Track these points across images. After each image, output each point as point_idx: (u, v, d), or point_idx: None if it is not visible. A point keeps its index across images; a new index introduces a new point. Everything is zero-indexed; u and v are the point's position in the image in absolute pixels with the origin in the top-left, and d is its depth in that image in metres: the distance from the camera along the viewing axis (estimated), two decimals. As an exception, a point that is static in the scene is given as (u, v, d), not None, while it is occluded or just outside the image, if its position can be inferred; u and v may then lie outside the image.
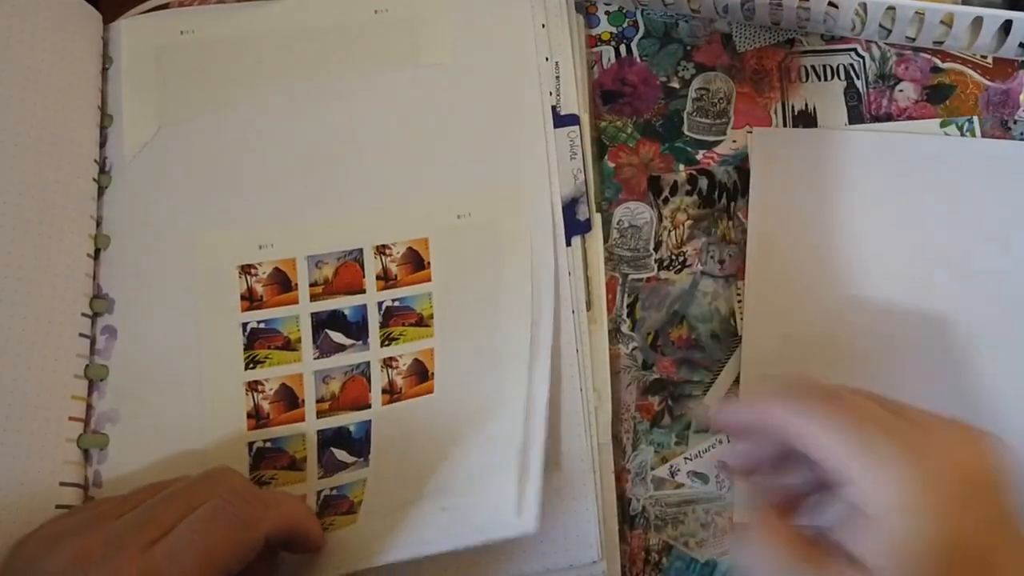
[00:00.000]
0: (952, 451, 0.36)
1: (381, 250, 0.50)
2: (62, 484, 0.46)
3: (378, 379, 0.48)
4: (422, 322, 0.49)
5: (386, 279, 0.49)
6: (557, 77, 0.52)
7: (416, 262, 0.49)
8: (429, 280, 0.49)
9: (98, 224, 0.51)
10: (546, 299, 0.48)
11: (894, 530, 0.34)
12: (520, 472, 0.43)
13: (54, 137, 0.50)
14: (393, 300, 0.49)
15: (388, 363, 0.48)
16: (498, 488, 0.43)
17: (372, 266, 0.50)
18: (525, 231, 0.49)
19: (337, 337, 0.49)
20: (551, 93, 0.51)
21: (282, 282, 0.50)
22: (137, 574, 0.36)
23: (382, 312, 0.49)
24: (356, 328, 0.49)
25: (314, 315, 0.49)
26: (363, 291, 0.49)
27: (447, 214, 0.50)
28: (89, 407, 0.48)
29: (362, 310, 0.49)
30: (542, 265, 0.49)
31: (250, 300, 0.49)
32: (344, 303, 0.49)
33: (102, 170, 0.52)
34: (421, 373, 0.48)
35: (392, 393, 0.48)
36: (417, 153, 0.51)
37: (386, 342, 0.48)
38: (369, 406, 0.48)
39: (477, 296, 0.48)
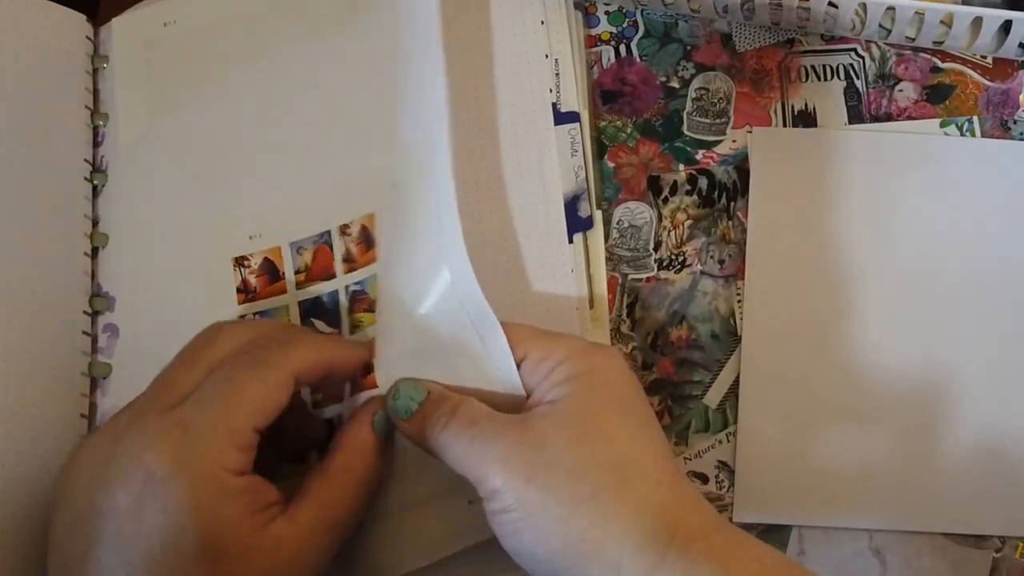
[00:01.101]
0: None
1: (343, 230, 0.48)
2: (57, 506, 0.46)
3: None
4: (371, 307, 0.46)
5: (350, 261, 0.48)
6: (557, 74, 0.52)
7: (368, 241, 0.47)
8: (375, 260, 0.47)
9: (96, 223, 0.51)
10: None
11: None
12: None
13: (39, 140, 0.50)
14: (355, 284, 0.47)
15: None
16: None
17: (339, 248, 0.48)
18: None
19: (320, 325, 0.47)
20: (551, 90, 0.51)
21: (271, 272, 0.49)
22: (167, 428, 0.36)
23: (349, 296, 0.47)
24: (333, 316, 0.47)
25: (301, 303, 0.48)
26: (334, 275, 0.48)
27: (384, 183, 0.47)
28: (92, 405, 0.48)
29: (335, 295, 0.48)
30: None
31: (245, 292, 0.49)
32: (322, 289, 0.48)
33: (99, 169, 0.52)
34: (367, 365, 0.44)
35: (353, 383, 0.45)
36: (364, 120, 0.49)
37: (353, 330, 0.47)
38: (343, 398, 0.45)
39: (404, 276, 0.44)
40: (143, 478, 0.36)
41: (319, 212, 0.49)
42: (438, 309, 0.42)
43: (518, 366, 0.40)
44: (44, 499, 0.44)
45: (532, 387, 0.40)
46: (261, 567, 0.36)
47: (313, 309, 0.48)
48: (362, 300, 0.47)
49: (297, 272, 0.49)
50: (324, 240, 0.48)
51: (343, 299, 0.47)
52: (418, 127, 0.45)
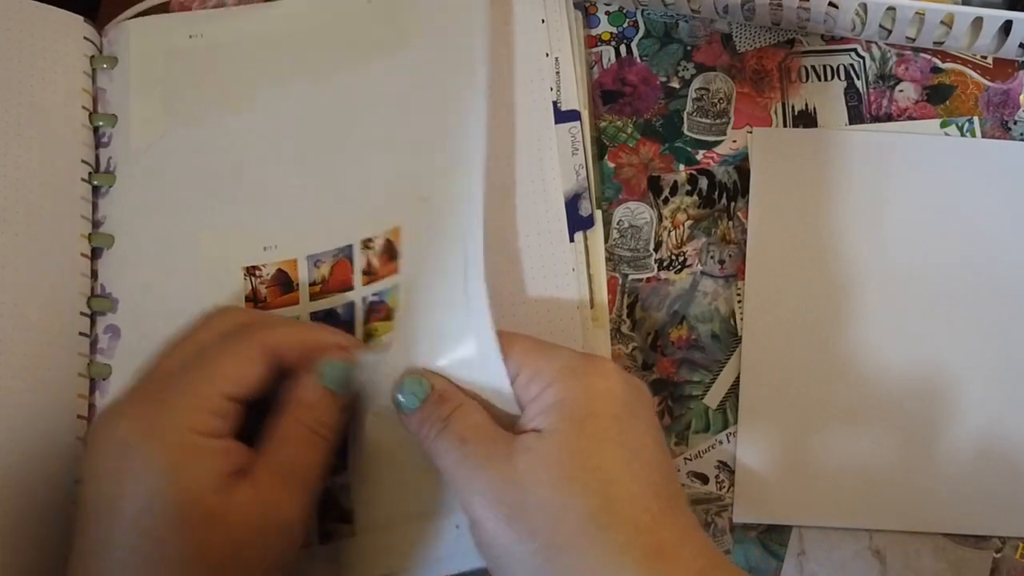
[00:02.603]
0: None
1: (366, 244, 0.49)
2: (77, 482, 0.46)
3: None
4: (390, 316, 0.47)
5: (369, 273, 0.48)
6: (557, 73, 0.52)
7: (391, 253, 0.48)
8: (397, 272, 0.47)
9: (100, 224, 0.51)
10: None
11: None
12: None
13: (34, 140, 0.50)
14: (372, 295, 0.48)
15: None
16: None
17: (359, 261, 0.49)
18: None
19: None
20: (551, 89, 0.51)
21: (284, 283, 0.50)
22: (142, 400, 0.38)
23: (365, 308, 0.48)
24: (348, 327, 0.48)
25: (313, 315, 0.49)
26: (351, 288, 0.49)
27: (412, 197, 0.48)
28: (92, 406, 0.49)
29: (351, 307, 0.48)
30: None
31: (254, 301, 0.49)
32: (338, 301, 0.49)
33: (106, 170, 0.52)
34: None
35: None
36: (416, 149, 0.50)
37: (367, 339, 0.47)
38: None
39: (427, 288, 0.45)
40: (120, 448, 0.37)
41: (341, 227, 0.49)
42: (451, 335, 0.42)
43: (512, 381, 0.40)
44: (37, 499, 0.45)
45: (523, 405, 0.39)
46: (233, 532, 0.37)
47: (326, 321, 0.48)
48: (379, 310, 0.47)
49: (312, 284, 0.49)
50: (345, 254, 0.49)
51: (359, 310, 0.48)
52: (453, 150, 0.46)
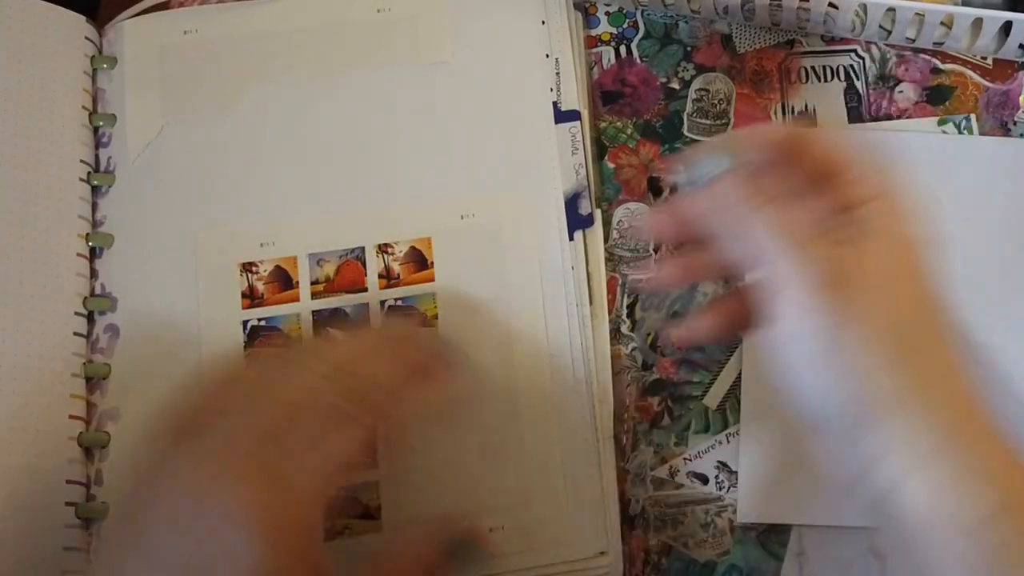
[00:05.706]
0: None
1: (383, 248, 0.50)
2: (68, 482, 0.46)
3: None
4: (425, 322, 0.49)
5: (388, 278, 0.50)
6: (557, 73, 0.52)
7: (419, 261, 0.50)
8: (432, 280, 0.49)
9: (100, 223, 0.51)
10: (557, 298, 0.49)
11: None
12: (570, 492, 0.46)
13: (33, 140, 0.50)
14: (396, 299, 0.49)
15: None
16: (550, 506, 0.45)
17: (374, 264, 0.50)
18: (531, 232, 0.50)
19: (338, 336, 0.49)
20: (552, 89, 0.52)
21: (283, 280, 0.50)
22: (256, 473, 0.34)
23: (385, 311, 0.49)
24: (358, 326, 0.49)
25: (315, 313, 0.49)
26: (365, 289, 0.49)
27: (450, 214, 0.50)
28: (92, 405, 0.48)
29: (364, 308, 0.49)
30: (550, 264, 0.49)
31: (251, 298, 0.50)
32: (346, 301, 0.49)
33: (105, 169, 0.52)
34: None
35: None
36: (419, 152, 0.52)
37: None
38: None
39: (484, 295, 0.49)
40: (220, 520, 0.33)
41: (350, 228, 0.50)
42: (515, 324, 0.48)
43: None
44: (23, 501, 0.45)
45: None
46: None
47: (331, 319, 0.49)
48: (405, 314, 0.49)
49: (315, 283, 0.50)
50: (355, 255, 0.50)
51: (376, 312, 0.49)
52: (500, 168, 0.51)
